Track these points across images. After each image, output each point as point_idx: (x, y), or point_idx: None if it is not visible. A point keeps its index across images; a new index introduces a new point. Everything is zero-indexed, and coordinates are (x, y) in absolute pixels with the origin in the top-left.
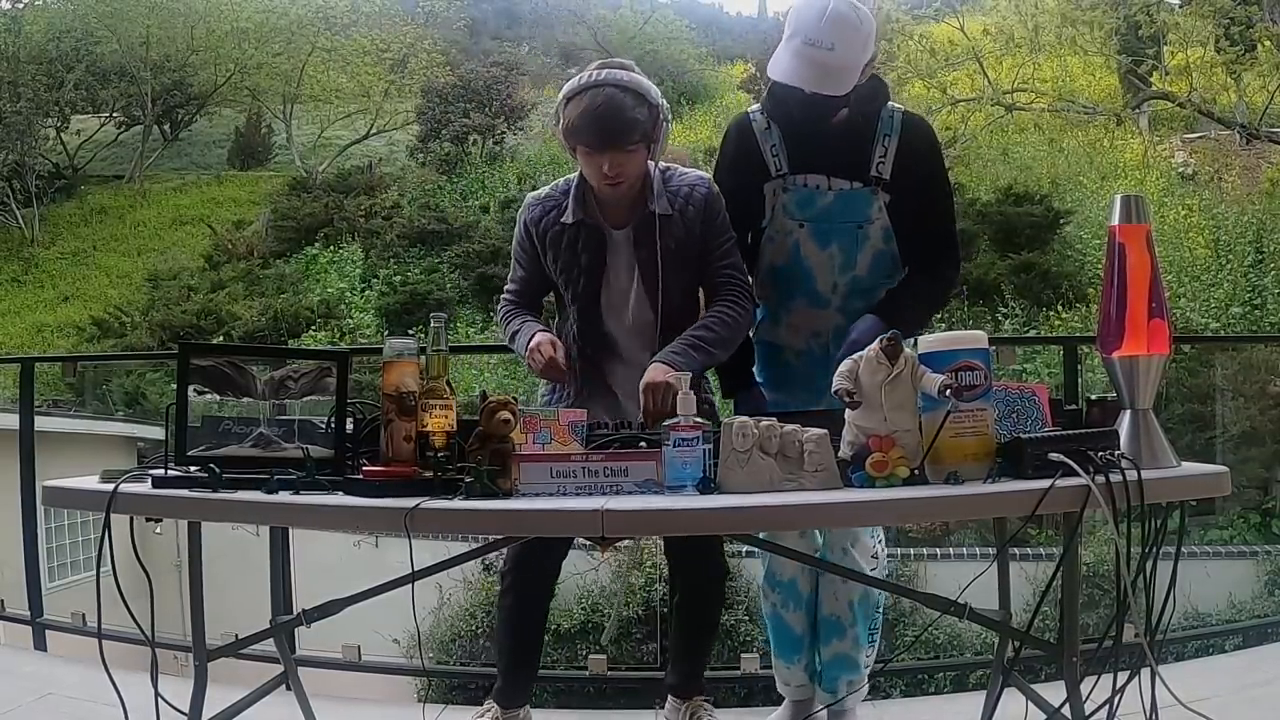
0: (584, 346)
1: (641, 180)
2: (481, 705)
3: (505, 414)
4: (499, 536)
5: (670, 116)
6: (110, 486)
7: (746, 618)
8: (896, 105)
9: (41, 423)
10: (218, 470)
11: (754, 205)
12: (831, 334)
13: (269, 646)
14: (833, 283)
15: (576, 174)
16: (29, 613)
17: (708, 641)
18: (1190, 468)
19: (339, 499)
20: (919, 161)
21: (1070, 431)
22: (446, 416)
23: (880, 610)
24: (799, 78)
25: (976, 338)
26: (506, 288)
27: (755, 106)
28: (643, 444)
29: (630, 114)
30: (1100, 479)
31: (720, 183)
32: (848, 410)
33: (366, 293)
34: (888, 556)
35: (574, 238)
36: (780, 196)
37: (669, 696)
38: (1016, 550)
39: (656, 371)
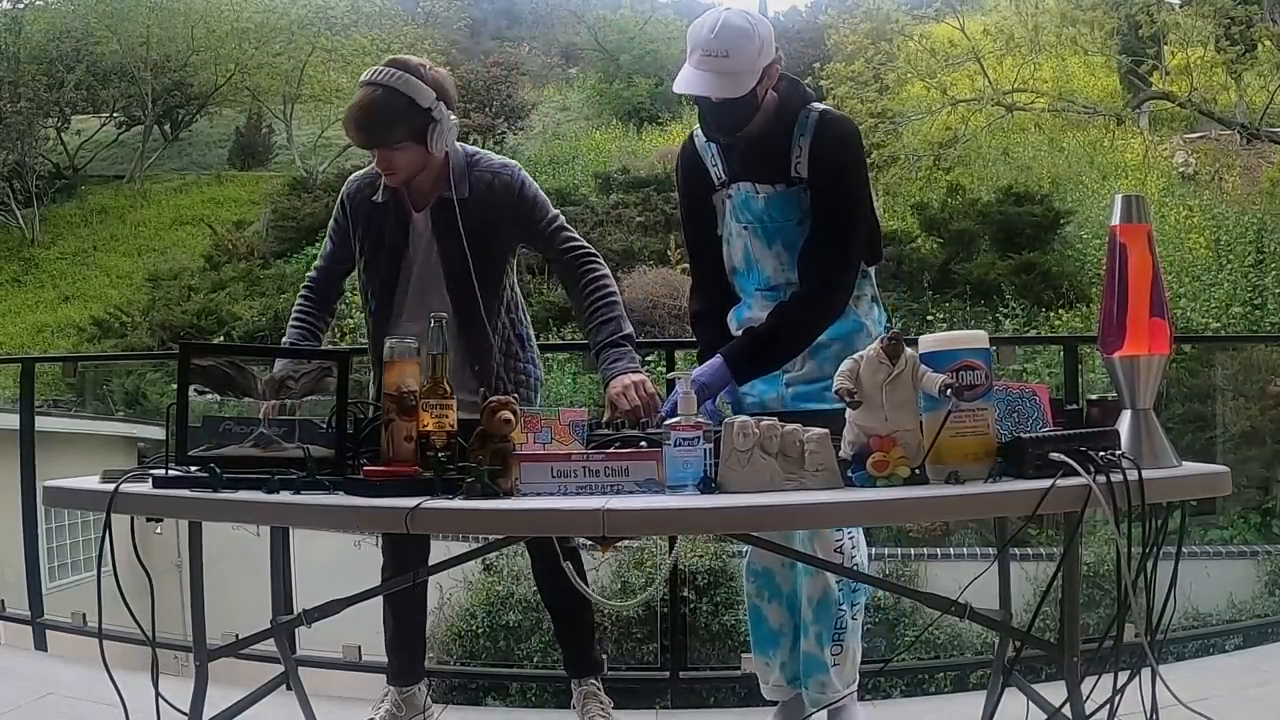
0: (379, 329)
1: (440, 167)
2: (483, 704)
3: (506, 413)
4: (499, 536)
5: (448, 114)
6: (111, 486)
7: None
8: (819, 106)
9: (42, 423)
10: (218, 470)
11: (710, 217)
12: None
13: (269, 646)
14: (785, 278)
15: None
16: (29, 613)
17: (576, 616)
18: (1191, 467)
19: (339, 499)
20: (824, 156)
21: (1071, 431)
22: (447, 416)
23: (846, 609)
24: (696, 86)
25: (977, 337)
26: (314, 264)
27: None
28: (643, 444)
29: (391, 115)
30: (1101, 479)
31: (680, 202)
32: (849, 410)
33: None
34: (886, 556)
35: (381, 215)
36: (726, 204)
37: (570, 679)
38: (1017, 550)
39: (619, 384)
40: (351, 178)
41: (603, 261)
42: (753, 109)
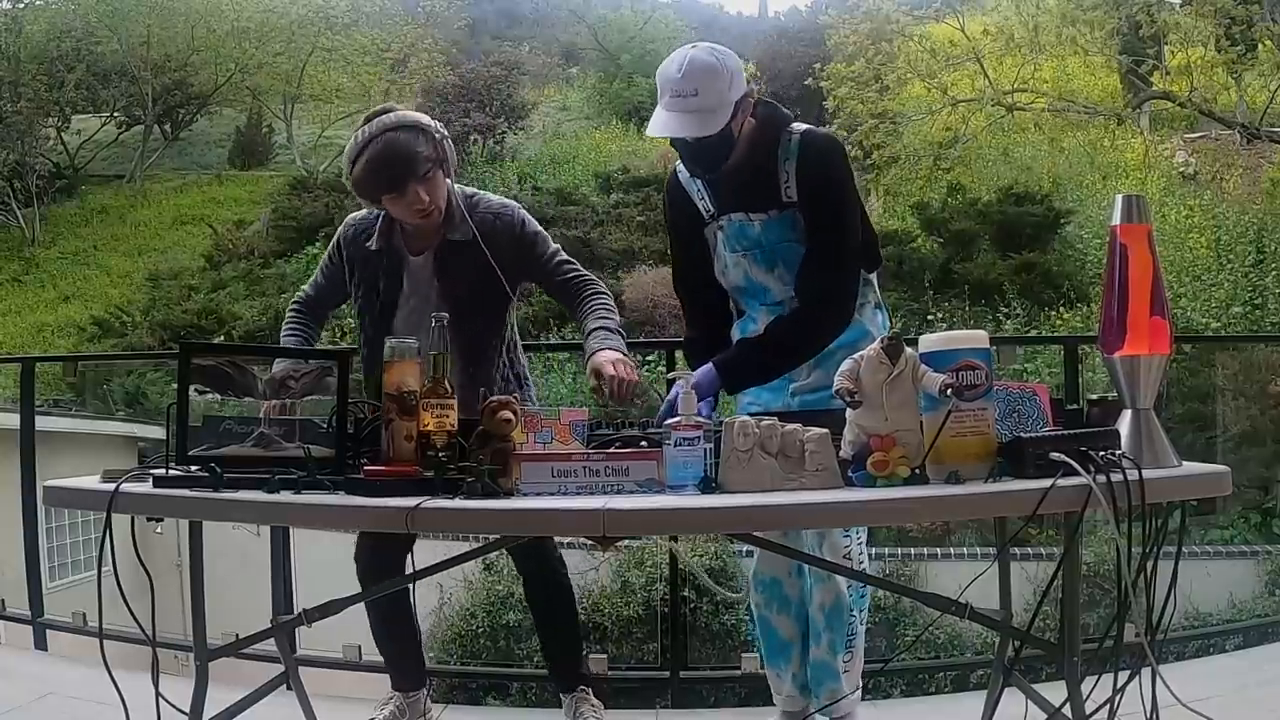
0: (371, 372)
1: (445, 206)
2: (483, 704)
3: (506, 413)
4: (499, 536)
5: (447, 133)
6: (111, 486)
7: (747, 617)
8: (799, 126)
9: (42, 422)
10: (219, 470)
11: (701, 250)
12: None
13: (270, 646)
14: (789, 295)
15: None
16: (29, 613)
17: (566, 635)
18: (1191, 467)
19: (340, 499)
20: (810, 176)
21: (1071, 431)
22: (447, 416)
23: (856, 614)
24: (670, 129)
25: (977, 337)
26: (302, 289)
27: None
28: (644, 443)
29: (413, 148)
30: (1101, 478)
31: (669, 235)
32: (849, 410)
33: None
34: (886, 556)
35: (376, 263)
36: (718, 235)
37: (560, 693)
38: (1017, 550)
39: (606, 355)
40: (349, 219)
41: (600, 284)
42: (730, 144)
